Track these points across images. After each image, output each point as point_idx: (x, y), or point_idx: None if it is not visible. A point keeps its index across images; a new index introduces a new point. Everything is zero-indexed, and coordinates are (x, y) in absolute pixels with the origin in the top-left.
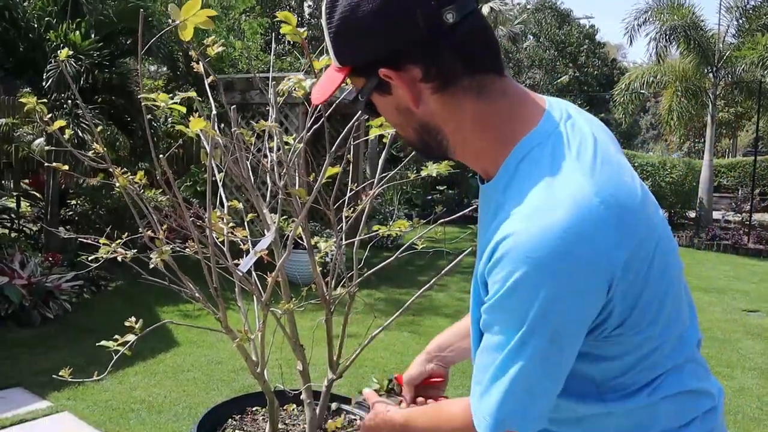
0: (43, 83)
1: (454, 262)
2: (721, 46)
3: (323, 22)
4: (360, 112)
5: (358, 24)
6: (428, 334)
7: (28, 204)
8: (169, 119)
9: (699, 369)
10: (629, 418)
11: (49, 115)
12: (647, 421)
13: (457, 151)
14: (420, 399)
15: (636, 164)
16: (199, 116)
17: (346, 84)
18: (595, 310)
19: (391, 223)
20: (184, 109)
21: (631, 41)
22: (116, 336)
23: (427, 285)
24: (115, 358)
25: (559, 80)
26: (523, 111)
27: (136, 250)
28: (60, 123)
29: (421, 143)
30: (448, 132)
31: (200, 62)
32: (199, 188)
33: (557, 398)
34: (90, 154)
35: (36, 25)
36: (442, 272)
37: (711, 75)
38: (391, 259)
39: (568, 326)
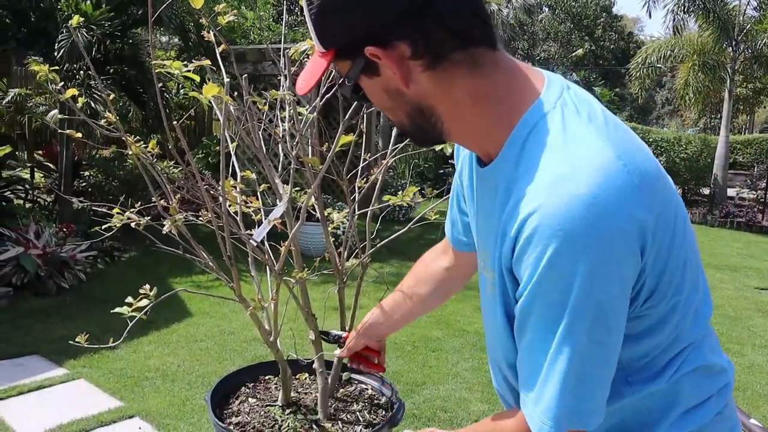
0: (55, 53)
1: None
2: (741, 19)
3: (304, 3)
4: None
5: (338, 1)
6: (437, 309)
7: (41, 175)
8: (181, 90)
9: (715, 343)
10: (653, 399)
11: (62, 83)
12: (669, 400)
13: (453, 133)
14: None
15: (651, 140)
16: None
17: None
18: (632, 279)
19: (402, 193)
20: (198, 78)
21: (649, 13)
22: (130, 300)
23: None
24: (131, 324)
25: (574, 53)
26: (522, 82)
27: (149, 218)
28: (73, 91)
29: (414, 127)
30: (442, 112)
31: (211, 30)
32: (211, 160)
33: None
34: (103, 122)
35: None
36: None
37: (730, 49)
38: (404, 230)
39: (612, 303)
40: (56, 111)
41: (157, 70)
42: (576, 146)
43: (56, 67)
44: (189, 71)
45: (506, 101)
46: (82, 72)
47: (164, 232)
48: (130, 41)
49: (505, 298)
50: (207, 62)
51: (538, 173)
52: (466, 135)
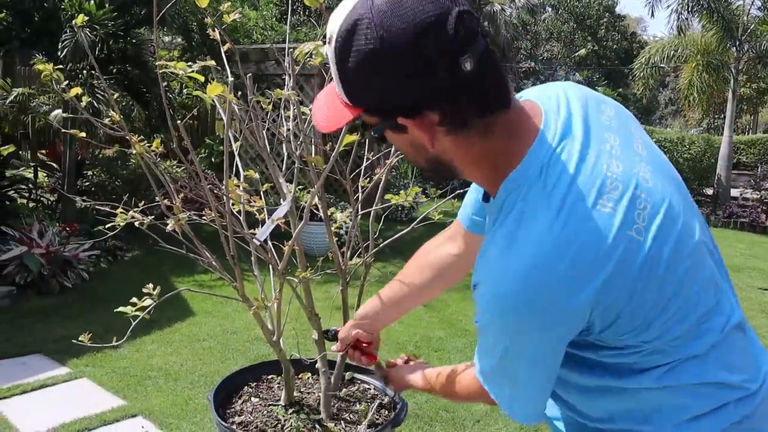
0: (58, 53)
1: None
2: (745, 19)
3: (331, 54)
4: None
5: (377, 72)
6: (439, 308)
7: (45, 174)
8: (185, 90)
9: (732, 356)
10: (634, 397)
11: (66, 82)
12: (648, 404)
13: (465, 174)
14: (351, 351)
15: (654, 140)
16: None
17: None
18: (564, 340)
19: (407, 192)
20: (202, 78)
21: (652, 13)
22: (134, 299)
23: None
24: (134, 323)
25: (577, 53)
26: (515, 147)
27: (153, 217)
28: (77, 90)
29: (433, 171)
30: (457, 163)
31: (216, 29)
32: (213, 159)
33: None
34: (106, 121)
35: None
36: None
37: (734, 49)
38: (407, 230)
39: (532, 359)
40: (59, 110)
41: (161, 71)
42: (520, 234)
43: (60, 67)
44: (193, 71)
45: (498, 164)
46: (84, 72)
47: (168, 231)
48: (134, 41)
49: None
50: (212, 63)
51: (494, 246)
52: (475, 178)
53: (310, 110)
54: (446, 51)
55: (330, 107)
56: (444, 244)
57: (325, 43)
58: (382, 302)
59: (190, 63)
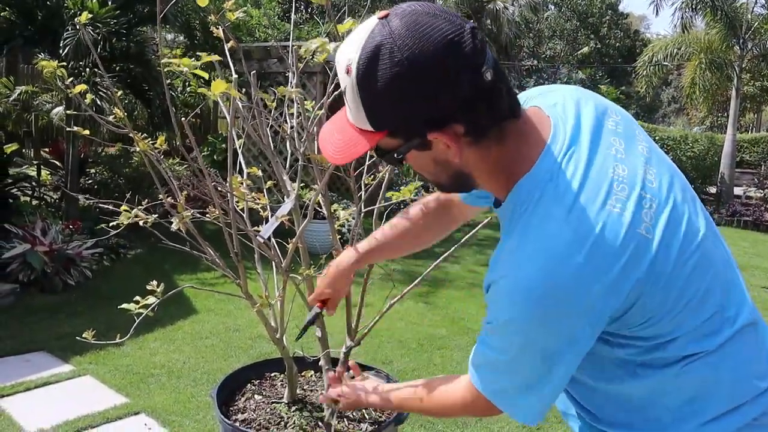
0: (61, 51)
1: (469, 234)
2: (749, 17)
3: (350, 83)
4: None
5: (405, 93)
6: (442, 306)
7: (48, 172)
8: (187, 88)
9: (746, 353)
10: (649, 398)
11: (70, 79)
12: (665, 408)
13: (480, 186)
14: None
15: (657, 138)
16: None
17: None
18: (580, 336)
19: (405, 188)
20: (206, 75)
21: (656, 11)
22: (137, 298)
23: (444, 255)
24: (137, 321)
25: (580, 51)
26: (526, 152)
27: (157, 215)
28: (81, 87)
29: (454, 186)
30: (475, 174)
31: (219, 27)
32: (216, 157)
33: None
34: (111, 119)
35: None
36: (458, 244)
37: (737, 47)
38: None
39: (549, 355)
40: (61, 108)
41: (166, 69)
42: (538, 233)
43: (63, 64)
44: (197, 68)
45: (512, 170)
46: (87, 70)
47: (173, 229)
48: (136, 39)
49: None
50: (217, 57)
51: (509, 248)
52: (488, 188)
53: (313, 106)
54: (468, 65)
55: (343, 137)
56: (432, 204)
57: (330, 40)
58: (377, 240)
59: (195, 58)
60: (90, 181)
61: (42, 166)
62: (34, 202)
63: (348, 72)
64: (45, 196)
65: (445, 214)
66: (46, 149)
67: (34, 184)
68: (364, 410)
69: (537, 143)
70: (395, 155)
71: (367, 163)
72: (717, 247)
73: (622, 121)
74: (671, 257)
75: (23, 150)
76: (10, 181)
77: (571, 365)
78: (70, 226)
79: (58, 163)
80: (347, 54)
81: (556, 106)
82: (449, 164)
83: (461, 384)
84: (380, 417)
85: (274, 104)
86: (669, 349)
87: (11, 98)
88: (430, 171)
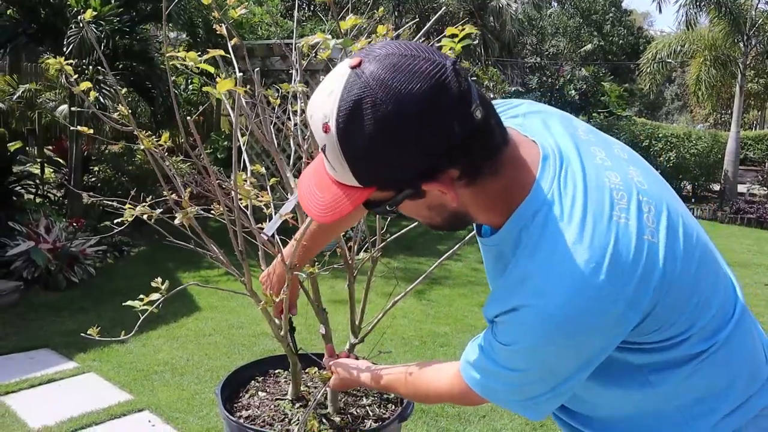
0: (64, 49)
1: (472, 233)
2: (753, 13)
3: (330, 140)
4: None
5: (391, 145)
6: (444, 304)
7: (51, 170)
8: (190, 86)
9: (748, 344)
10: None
11: (75, 76)
12: (680, 414)
13: (479, 219)
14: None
15: (660, 135)
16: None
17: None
18: (598, 361)
19: None
20: (212, 69)
21: (660, 8)
22: (141, 296)
23: (447, 254)
24: (142, 318)
25: (583, 48)
26: (521, 176)
27: (161, 210)
28: (86, 84)
29: (450, 226)
30: (472, 211)
31: (223, 24)
32: (219, 155)
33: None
34: (115, 116)
35: None
36: (461, 242)
37: (741, 44)
38: (412, 225)
39: (568, 377)
40: (65, 106)
41: (172, 63)
42: (554, 257)
43: (70, 62)
44: (203, 62)
45: (509, 198)
46: (90, 68)
47: (176, 223)
48: (139, 37)
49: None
50: (221, 52)
51: (525, 275)
52: (484, 219)
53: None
54: (457, 106)
55: (326, 195)
56: None
57: (334, 37)
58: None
59: (200, 53)
60: (93, 179)
61: (45, 164)
62: (38, 200)
63: (326, 130)
64: (49, 194)
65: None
66: (50, 147)
67: (37, 181)
68: (368, 408)
69: (530, 165)
70: (387, 207)
71: None
72: (705, 236)
73: (587, 128)
74: (678, 258)
75: (27, 148)
76: (13, 178)
77: (579, 382)
78: (74, 224)
79: (61, 160)
80: (322, 111)
81: (523, 125)
82: (445, 208)
83: (450, 373)
84: (384, 414)
85: (278, 102)
86: (681, 349)
87: (15, 96)
88: (424, 216)
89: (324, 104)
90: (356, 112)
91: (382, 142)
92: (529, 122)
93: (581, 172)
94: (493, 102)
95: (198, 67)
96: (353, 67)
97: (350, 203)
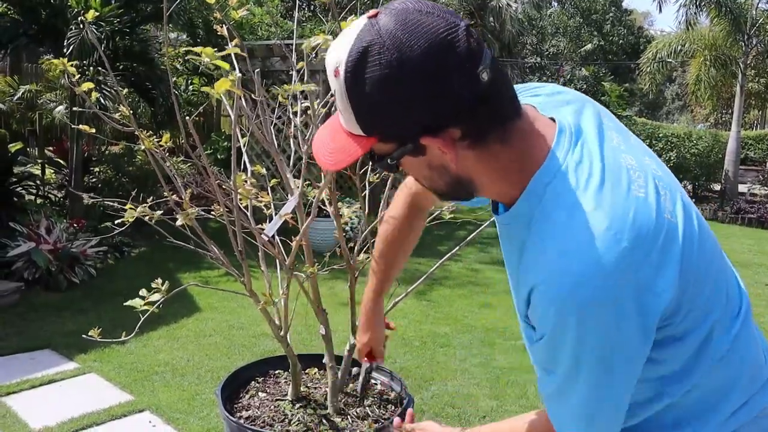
0: (64, 50)
1: (474, 234)
2: (754, 12)
3: (339, 85)
4: None
5: (396, 95)
6: (444, 304)
7: (52, 171)
8: (190, 87)
9: (753, 341)
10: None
11: (77, 77)
12: (688, 411)
13: (482, 192)
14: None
15: (661, 135)
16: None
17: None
18: (646, 342)
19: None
20: (227, 66)
21: (660, 8)
22: (142, 293)
23: (447, 255)
24: (143, 318)
25: (583, 48)
26: (534, 148)
27: (162, 212)
28: (88, 85)
29: (451, 193)
30: (478, 180)
31: (224, 25)
32: (219, 156)
33: None
34: (116, 116)
35: None
36: (463, 242)
37: (742, 43)
38: None
39: (617, 362)
40: (63, 107)
41: (172, 63)
42: (572, 225)
43: (72, 63)
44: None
45: (523, 169)
46: (91, 68)
47: (177, 225)
48: (140, 37)
49: (528, 333)
50: (236, 50)
51: (542, 248)
52: (492, 194)
53: (317, 103)
54: (464, 65)
55: (335, 142)
56: (406, 194)
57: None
58: (381, 270)
59: (216, 49)
60: (94, 180)
61: (46, 165)
62: (39, 201)
63: (336, 74)
64: (49, 195)
65: (419, 210)
66: (51, 148)
67: (38, 182)
68: (367, 408)
69: (544, 139)
70: (388, 161)
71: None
72: (713, 233)
73: (607, 114)
74: (695, 242)
75: (27, 149)
76: (14, 179)
77: (630, 375)
78: (75, 225)
79: (62, 161)
80: (335, 56)
81: (542, 104)
82: (446, 170)
83: (542, 420)
84: (384, 414)
85: (278, 102)
86: (699, 347)
87: (15, 97)
88: (426, 177)
89: (338, 50)
90: (363, 58)
91: (385, 90)
92: (551, 101)
93: (598, 149)
94: (519, 85)
95: (199, 67)
96: (370, 17)
97: (354, 152)
